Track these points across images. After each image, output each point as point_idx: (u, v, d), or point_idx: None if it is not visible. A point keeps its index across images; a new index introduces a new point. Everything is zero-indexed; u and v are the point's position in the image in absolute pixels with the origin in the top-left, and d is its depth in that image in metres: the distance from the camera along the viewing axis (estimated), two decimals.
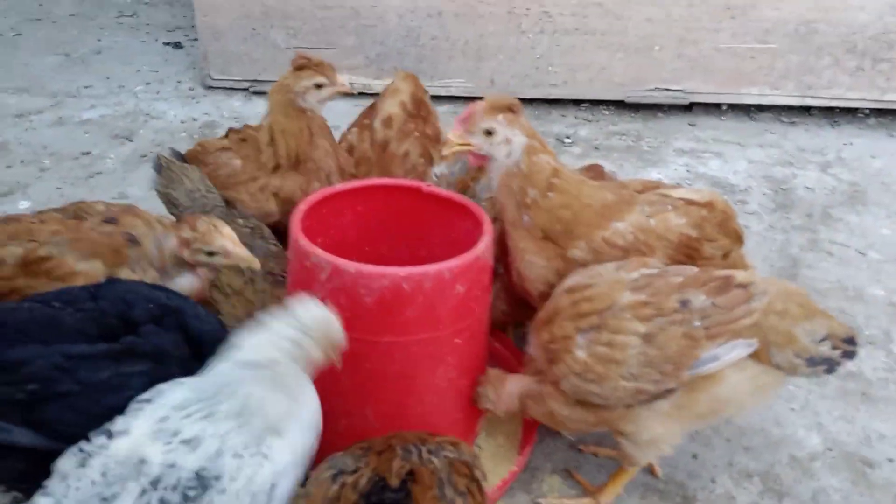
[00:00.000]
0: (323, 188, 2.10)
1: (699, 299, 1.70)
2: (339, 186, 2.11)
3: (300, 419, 1.46)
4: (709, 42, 3.84)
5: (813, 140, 3.83)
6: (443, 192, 2.09)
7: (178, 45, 4.80)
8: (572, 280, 1.83)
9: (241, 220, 2.26)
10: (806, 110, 4.03)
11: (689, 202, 2.01)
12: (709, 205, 2.03)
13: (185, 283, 1.95)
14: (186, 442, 1.33)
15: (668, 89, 3.95)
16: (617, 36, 3.88)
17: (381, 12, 3.98)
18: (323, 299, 1.74)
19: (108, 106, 4.08)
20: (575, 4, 3.84)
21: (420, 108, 2.71)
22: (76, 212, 1.95)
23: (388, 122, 2.61)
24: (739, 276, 1.74)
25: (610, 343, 1.69)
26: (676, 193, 2.04)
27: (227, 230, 1.95)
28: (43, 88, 4.26)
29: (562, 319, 1.75)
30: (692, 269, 1.81)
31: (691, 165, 3.59)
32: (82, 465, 1.33)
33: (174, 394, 1.41)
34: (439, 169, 2.51)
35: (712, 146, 3.76)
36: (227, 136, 2.55)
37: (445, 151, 1.94)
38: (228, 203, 2.35)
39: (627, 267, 1.80)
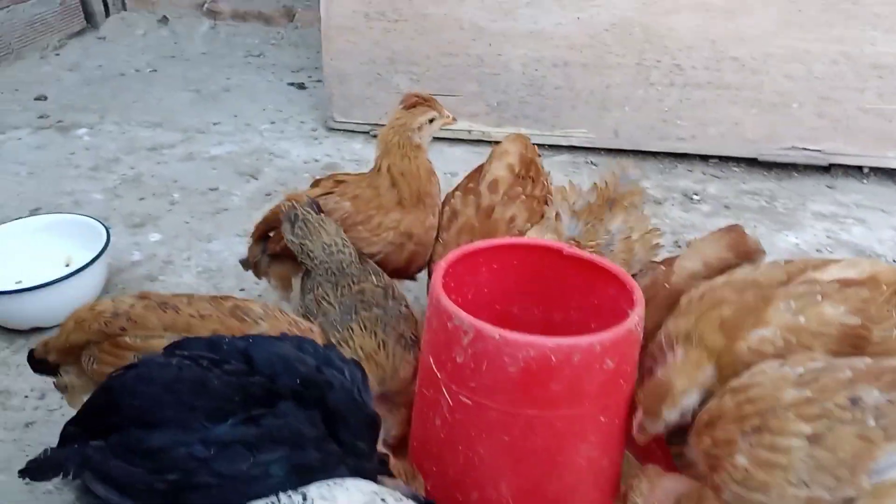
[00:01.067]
0: (462, 246, 2.03)
1: (872, 395, 1.51)
2: (479, 243, 2.05)
3: None
4: (852, 101, 3.63)
5: None
6: (585, 255, 2.00)
7: (301, 86, 4.93)
8: (737, 381, 1.67)
9: (374, 278, 2.23)
10: None
11: (846, 283, 1.82)
12: (871, 281, 1.83)
13: None
14: None
15: (805, 149, 3.74)
16: (752, 91, 3.72)
17: (505, 61, 3.96)
18: (464, 364, 1.68)
19: (234, 143, 4.20)
20: (707, 58, 3.71)
21: (529, 169, 2.60)
22: (233, 311, 1.90)
23: (494, 186, 2.50)
24: None
25: (772, 446, 1.52)
26: (828, 275, 1.85)
27: None
28: (175, 124, 4.43)
29: (725, 422, 1.59)
30: (864, 361, 1.62)
31: (832, 231, 3.36)
32: None
33: (366, 489, 1.40)
34: (562, 206, 2.40)
35: (854, 211, 3.52)
36: (315, 184, 2.55)
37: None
38: (360, 256, 2.33)
39: (793, 361, 1.64)
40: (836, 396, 1.52)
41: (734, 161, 3.89)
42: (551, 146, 4.08)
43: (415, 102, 2.39)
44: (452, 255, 1.93)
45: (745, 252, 2.20)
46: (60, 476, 1.56)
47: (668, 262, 2.28)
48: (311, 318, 2.15)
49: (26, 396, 2.51)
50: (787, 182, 3.77)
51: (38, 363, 2.04)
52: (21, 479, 1.64)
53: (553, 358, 1.60)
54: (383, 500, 1.40)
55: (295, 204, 2.34)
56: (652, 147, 3.93)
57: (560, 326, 2.10)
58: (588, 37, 3.81)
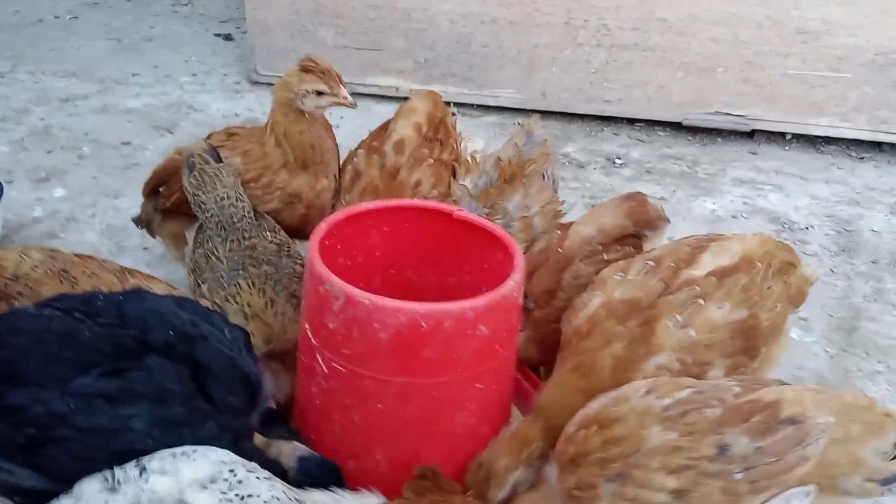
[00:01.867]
0: (346, 206, 1.97)
1: (741, 443, 1.43)
2: (365, 205, 1.98)
3: None
4: (777, 67, 3.62)
5: (883, 178, 3.58)
6: (475, 218, 1.95)
7: (228, 37, 4.75)
8: (599, 407, 1.59)
9: (268, 234, 2.15)
10: (877, 146, 3.76)
11: (721, 273, 1.76)
12: (744, 262, 1.78)
13: None
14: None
15: (729, 114, 3.73)
16: (678, 54, 3.68)
17: (432, 16, 3.85)
18: (335, 330, 1.63)
19: (153, 95, 4.04)
20: (636, 19, 3.66)
21: (438, 131, 2.47)
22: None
23: (399, 146, 2.37)
24: (788, 405, 1.46)
25: (636, 499, 1.45)
26: (702, 269, 1.77)
27: None
28: (91, 74, 4.24)
29: (589, 464, 1.52)
30: (733, 391, 1.53)
31: (749, 197, 3.38)
32: (113, 490, 1.35)
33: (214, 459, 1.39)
34: (465, 182, 2.35)
35: (773, 178, 3.53)
36: (208, 137, 2.45)
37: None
38: (257, 213, 2.25)
39: (659, 390, 1.56)
40: (703, 445, 1.44)
41: (660, 125, 3.87)
42: (479, 106, 4.01)
43: (308, 68, 2.28)
44: (335, 216, 1.87)
45: (644, 220, 2.16)
46: None
47: (565, 227, 2.24)
48: (200, 278, 2.09)
49: None
50: (710, 147, 3.77)
51: None
52: None
53: (424, 324, 1.56)
54: (232, 470, 1.36)
55: (193, 151, 2.24)
56: (579, 109, 3.89)
57: (454, 291, 2.05)
58: None
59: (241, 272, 2.03)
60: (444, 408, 1.68)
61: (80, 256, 1.99)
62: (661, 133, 3.86)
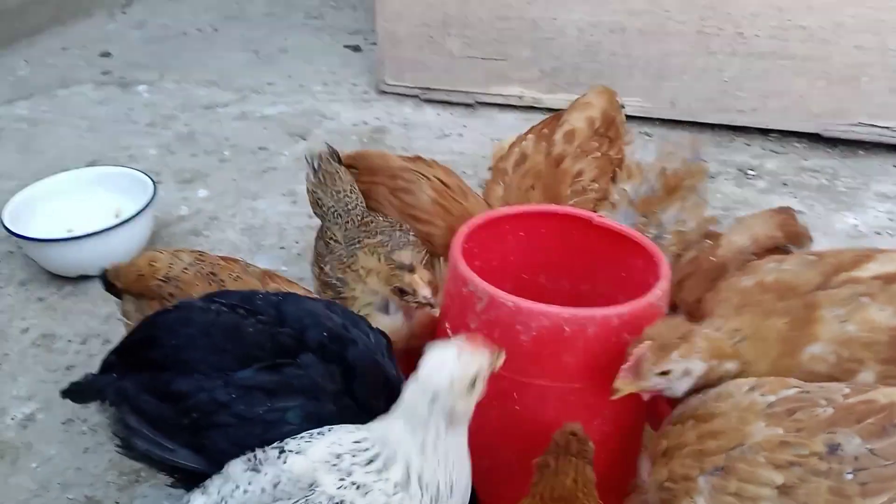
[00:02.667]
0: (487, 211, 2.00)
1: (853, 444, 1.38)
2: (504, 210, 2.01)
3: (457, 491, 1.45)
4: None
5: None
6: (615, 225, 1.94)
7: (356, 49, 4.91)
8: (697, 403, 1.56)
9: (381, 218, 2.28)
10: None
11: (889, 279, 1.70)
12: None
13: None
14: (357, 486, 1.35)
15: (874, 125, 3.53)
16: (819, 63, 3.52)
17: (560, 25, 3.85)
18: (477, 330, 1.66)
19: (287, 104, 4.23)
20: (773, 26, 3.53)
21: (609, 128, 2.55)
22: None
23: (570, 136, 2.45)
24: None
25: (738, 493, 1.41)
26: (868, 272, 1.73)
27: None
28: (230, 83, 4.49)
29: (684, 456, 1.48)
30: (843, 391, 1.47)
31: (894, 214, 3.18)
32: (255, 470, 1.40)
33: (350, 436, 1.42)
34: (627, 186, 2.35)
35: None
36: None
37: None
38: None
39: (763, 387, 1.52)
40: (814, 442, 1.40)
41: (796, 136, 3.71)
42: None
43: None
44: (475, 220, 1.90)
45: (794, 234, 2.15)
46: (98, 402, 1.69)
47: (714, 236, 2.22)
48: (322, 262, 2.20)
49: (70, 341, 2.61)
50: (851, 160, 3.57)
51: (108, 284, 2.15)
52: (62, 398, 1.77)
53: (567, 329, 1.56)
54: (338, 455, 1.39)
55: (320, 152, 2.43)
56: (710, 119, 3.78)
57: (587, 298, 2.05)
58: (647, 2, 3.67)
59: (357, 245, 2.14)
60: (581, 413, 1.67)
61: (225, 259, 2.13)
62: (798, 144, 3.69)
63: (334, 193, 2.36)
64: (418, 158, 2.52)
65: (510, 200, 2.34)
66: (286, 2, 5.70)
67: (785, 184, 3.41)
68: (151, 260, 2.07)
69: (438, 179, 2.38)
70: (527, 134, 2.55)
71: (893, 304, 1.67)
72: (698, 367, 1.62)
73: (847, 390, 1.48)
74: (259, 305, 1.62)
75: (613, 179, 2.47)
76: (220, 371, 1.51)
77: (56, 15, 5.20)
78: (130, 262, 2.10)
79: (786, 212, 2.20)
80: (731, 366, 1.65)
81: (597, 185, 2.42)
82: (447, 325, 1.77)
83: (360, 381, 1.59)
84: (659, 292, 1.65)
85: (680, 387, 1.64)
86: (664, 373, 1.60)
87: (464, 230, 1.85)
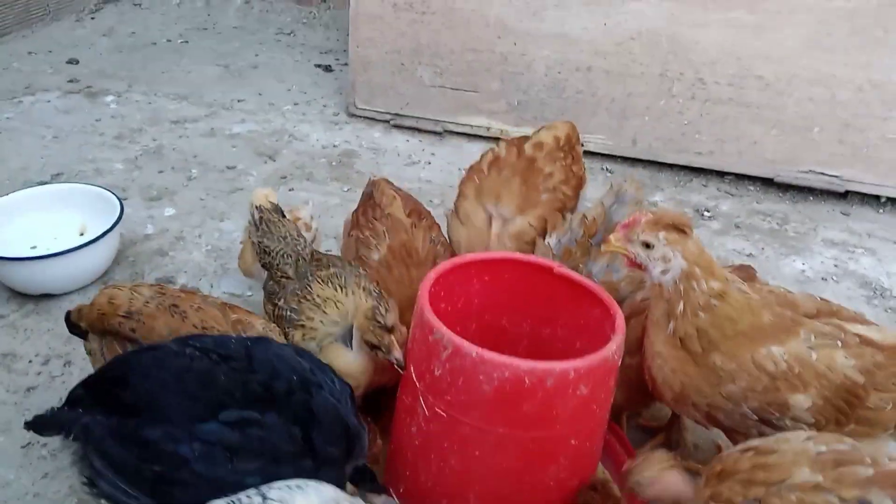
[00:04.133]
0: (453, 257, 2.07)
1: (883, 503, 1.47)
2: (469, 256, 2.08)
3: None
4: (875, 130, 3.58)
5: None
6: (575, 275, 2.02)
7: (328, 69, 4.95)
8: (761, 440, 1.67)
9: (323, 255, 2.35)
10: None
11: (867, 342, 1.83)
12: (891, 349, 1.84)
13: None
14: None
15: (823, 173, 3.70)
16: (774, 112, 3.68)
17: (529, 61, 3.96)
18: (441, 377, 1.72)
19: (257, 122, 4.25)
20: (732, 74, 3.68)
21: (572, 149, 2.71)
22: (235, 324, 2.01)
23: (538, 146, 2.62)
24: None
25: None
26: (855, 328, 1.87)
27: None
28: (200, 98, 4.49)
29: (733, 482, 1.58)
30: (886, 455, 1.57)
31: (840, 260, 3.34)
32: None
33: (325, 494, 1.48)
34: (549, 239, 2.44)
35: (866, 241, 3.48)
36: None
37: (603, 249, 1.94)
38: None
39: (819, 438, 1.62)
40: (846, 491, 1.48)
41: (750, 180, 3.86)
42: None
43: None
44: (442, 266, 1.96)
45: None
46: (62, 436, 1.70)
47: None
48: (276, 298, 2.24)
49: (30, 361, 2.59)
50: (801, 205, 3.74)
51: (72, 325, 2.17)
52: (26, 430, 1.76)
53: (527, 380, 1.63)
54: None
55: (258, 205, 2.47)
56: (669, 159, 3.92)
57: (547, 341, 2.14)
58: (614, 44, 3.80)
59: (309, 278, 2.19)
60: (539, 460, 1.75)
61: (185, 292, 2.16)
62: (752, 188, 3.85)
63: (280, 239, 2.39)
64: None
65: (487, 193, 2.51)
66: (258, 16, 5.72)
67: (738, 226, 3.55)
68: (111, 297, 2.07)
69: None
70: (499, 142, 2.70)
71: (860, 361, 1.79)
72: (677, 263, 1.79)
73: (894, 453, 1.59)
74: (231, 350, 1.66)
75: (577, 191, 2.65)
76: (190, 418, 1.54)
77: (24, 18, 5.15)
78: (91, 301, 2.11)
79: (746, 270, 2.29)
80: (706, 284, 1.78)
81: (566, 188, 2.58)
82: (412, 369, 1.83)
83: (319, 427, 1.64)
84: (614, 346, 1.73)
85: (654, 270, 1.82)
86: (647, 245, 1.80)
87: (431, 276, 1.92)
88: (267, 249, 2.39)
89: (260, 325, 2.05)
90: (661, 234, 1.80)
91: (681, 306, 1.80)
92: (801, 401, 1.78)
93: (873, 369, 1.78)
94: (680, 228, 1.81)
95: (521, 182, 2.51)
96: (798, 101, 3.63)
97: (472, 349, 1.65)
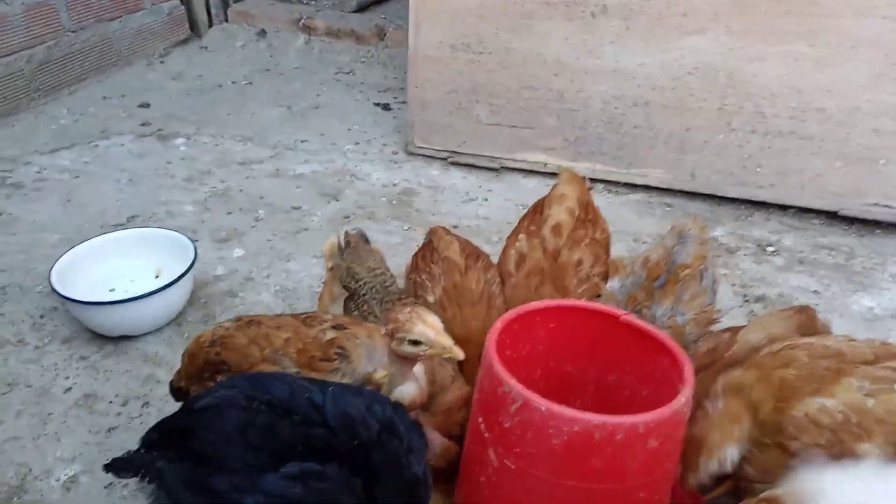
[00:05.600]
0: (518, 307, 2.10)
1: None
2: (535, 304, 2.11)
3: None
4: None
5: None
6: (641, 323, 2.03)
7: (386, 107, 5.07)
8: (784, 489, 1.69)
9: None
10: None
11: None
12: None
13: (406, 391, 1.98)
14: None
15: (889, 206, 3.63)
16: (837, 144, 3.63)
17: (585, 97, 3.99)
18: (510, 429, 1.76)
19: (320, 162, 4.38)
20: (793, 107, 3.65)
21: (588, 212, 2.67)
22: (305, 319, 2.10)
23: (557, 230, 2.57)
24: None
25: None
26: None
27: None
28: (265, 139, 4.65)
29: None
30: None
31: None
32: None
33: None
34: (612, 284, 2.44)
35: None
36: None
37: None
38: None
39: None
40: None
41: (814, 213, 3.81)
42: (626, 184, 4.10)
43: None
44: (509, 315, 2.00)
45: (812, 335, 2.19)
46: (138, 478, 1.80)
47: (734, 330, 2.30)
48: None
49: (111, 402, 2.72)
50: (867, 239, 3.66)
51: (177, 391, 2.29)
52: (105, 472, 1.87)
53: (596, 435, 1.65)
54: None
55: (349, 231, 2.62)
56: (729, 193, 3.89)
57: (613, 388, 2.15)
58: (671, 78, 3.81)
59: None
60: None
61: (262, 315, 2.24)
62: (815, 221, 3.79)
63: (369, 270, 2.49)
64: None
65: (519, 300, 2.40)
66: (318, 56, 5.90)
67: (801, 261, 3.50)
68: (198, 337, 2.21)
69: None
70: (517, 234, 2.65)
71: None
72: (729, 452, 1.87)
73: None
74: (297, 402, 1.71)
75: (607, 254, 2.61)
76: (254, 470, 1.61)
77: (98, 64, 5.42)
78: (182, 355, 2.24)
79: (805, 312, 2.26)
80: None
81: (596, 270, 2.52)
82: (480, 419, 1.87)
83: (382, 481, 1.67)
84: (683, 399, 1.74)
85: (728, 459, 1.90)
86: None
87: (498, 325, 1.96)
88: (356, 276, 2.47)
89: (329, 316, 2.12)
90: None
91: None
92: (870, 450, 1.75)
93: None
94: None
95: (553, 290, 2.44)
96: (862, 133, 3.57)
97: (542, 403, 1.68)
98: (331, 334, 2.02)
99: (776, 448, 1.82)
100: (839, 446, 1.77)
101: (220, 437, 1.70)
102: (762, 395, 1.90)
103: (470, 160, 4.29)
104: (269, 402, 1.74)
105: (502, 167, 4.27)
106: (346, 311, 2.48)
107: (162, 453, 1.77)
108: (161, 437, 1.84)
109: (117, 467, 1.85)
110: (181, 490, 1.68)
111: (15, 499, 2.34)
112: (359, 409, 1.72)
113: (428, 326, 1.89)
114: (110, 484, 2.41)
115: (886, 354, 1.90)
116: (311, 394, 1.74)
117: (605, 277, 2.52)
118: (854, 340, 1.98)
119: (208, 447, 1.70)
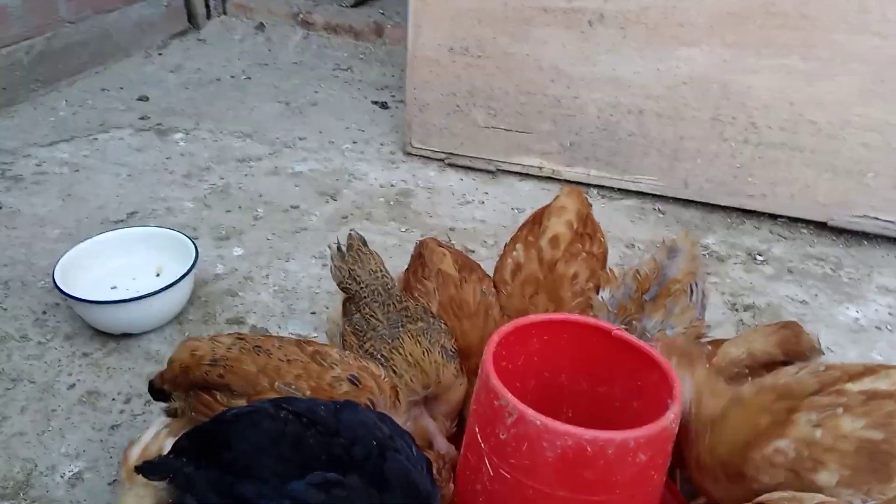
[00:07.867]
0: (514, 320, 2.17)
1: None
2: (530, 318, 2.18)
3: None
4: None
5: None
6: (633, 339, 2.11)
7: (384, 105, 5.11)
8: (780, 494, 1.76)
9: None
10: None
11: (872, 395, 1.85)
12: None
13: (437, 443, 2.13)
14: None
15: (877, 218, 3.72)
16: (827, 156, 3.71)
17: (581, 104, 4.05)
18: (506, 441, 1.83)
19: (318, 161, 4.43)
20: (784, 119, 3.72)
21: (586, 226, 2.73)
22: (314, 356, 2.13)
23: (555, 242, 2.62)
24: None
25: None
26: (859, 386, 1.88)
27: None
28: (264, 136, 4.69)
29: None
30: None
31: (895, 308, 3.35)
32: None
33: None
34: (603, 294, 2.50)
35: None
36: None
37: None
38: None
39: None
40: None
41: (803, 223, 3.89)
42: (619, 190, 4.17)
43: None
44: (506, 329, 2.07)
45: (795, 352, 2.26)
46: (167, 481, 1.84)
47: (717, 343, 2.37)
48: (361, 336, 2.37)
49: (113, 399, 2.78)
50: (855, 249, 3.75)
51: (157, 392, 2.33)
52: (136, 473, 1.89)
53: (589, 449, 1.73)
54: None
55: (351, 234, 2.67)
56: (721, 201, 3.97)
57: (604, 400, 2.22)
58: (665, 88, 3.87)
59: (400, 329, 2.31)
60: None
61: (263, 336, 2.29)
62: (805, 230, 3.87)
63: (370, 272, 2.54)
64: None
65: (513, 308, 2.51)
66: (316, 52, 5.92)
67: (791, 270, 3.58)
68: (193, 350, 2.19)
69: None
70: (514, 243, 2.70)
71: (870, 417, 1.80)
72: (687, 386, 1.93)
73: None
74: (320, 416, 1.79)
75: (603, 268, 2.66)
76: (281, 478, 1.68)
77: (97, 56, 5.43)
78: (170, 359, 2.24)
79: (790, 327, 2.31)
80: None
81: (591, 285, 2.57)
82: (477, 429, 1.94)
83: (392, 493, 1.73)
84: (672, 416, 1.82)
85: None
86: None
87: (494, 339, 2.03)
88: (357, 278, 2.52)
89: (336, 354, 2.18)
90: (674, 360, 1.92)
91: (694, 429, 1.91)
92: (828, 479, 1.79)
93: (887, 420, 1.79)
94: (689, 356, 1.90)
95: (547, 300, 2.51)
96: (852, 147, 3.65)
97: (537, 417, 1.76)
98: (346, 388, 2.07)
99: (740, 483, 1.89)
100: (798, 481, 1.82)
101: (254, 446, 1.75)
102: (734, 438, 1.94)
103: (467, 162, 4.35)
104: (296, 412, 1.81)
105: (498, 170, 4.33)
106: (346, 313, 2.53)
107: (191, 459, 1.81)
108: (191, 444, 1.88)
109: (147, 470, 1.88)
110: (210, 496, 1.72)
111: (21, 494, 2.40)
112: (371, 420, 1.79)
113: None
114: (114, 481, 2.47)
115: (829, 380, 1.92)
116: (326, 406, 1.81)
117: (595, 295, 2.59)
118: (801, 370, 2.00)
119: (241, 456, 1.75)
